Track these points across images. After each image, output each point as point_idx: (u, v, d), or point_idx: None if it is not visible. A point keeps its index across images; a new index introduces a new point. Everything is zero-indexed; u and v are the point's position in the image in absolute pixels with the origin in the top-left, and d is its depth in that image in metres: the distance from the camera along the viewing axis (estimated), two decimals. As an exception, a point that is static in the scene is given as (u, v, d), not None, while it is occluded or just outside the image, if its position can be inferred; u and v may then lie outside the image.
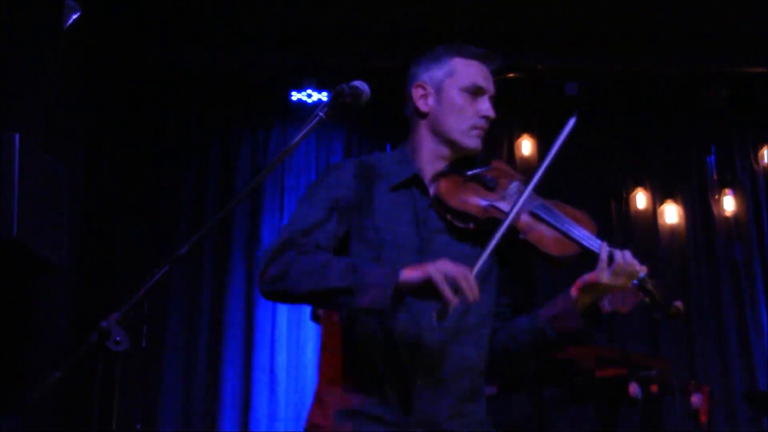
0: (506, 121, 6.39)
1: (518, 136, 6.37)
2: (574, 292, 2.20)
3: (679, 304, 2.24)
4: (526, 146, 6.35)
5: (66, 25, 4.33)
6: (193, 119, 6.29)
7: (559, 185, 6.31)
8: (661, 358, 4.69)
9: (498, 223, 2.14)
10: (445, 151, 2.30)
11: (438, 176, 2.27)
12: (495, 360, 2.28)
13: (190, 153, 6.24)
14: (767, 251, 6.22)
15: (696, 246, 6.26)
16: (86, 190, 5.31)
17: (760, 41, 5.70)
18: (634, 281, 2.21)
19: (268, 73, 6.05)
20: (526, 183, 2.27)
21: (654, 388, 4.13)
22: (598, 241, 2.21)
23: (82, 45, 4.95)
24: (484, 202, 2.22)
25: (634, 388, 4.11)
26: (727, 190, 6.29)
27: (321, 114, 2.13)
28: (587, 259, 2.18)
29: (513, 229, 2.14)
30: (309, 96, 5.97)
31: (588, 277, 2.17)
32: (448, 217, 2.21)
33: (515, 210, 2.14)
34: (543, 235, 2.20)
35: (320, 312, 2.39)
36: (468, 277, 1.94)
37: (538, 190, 2.27)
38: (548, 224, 2.22)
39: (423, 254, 2.17)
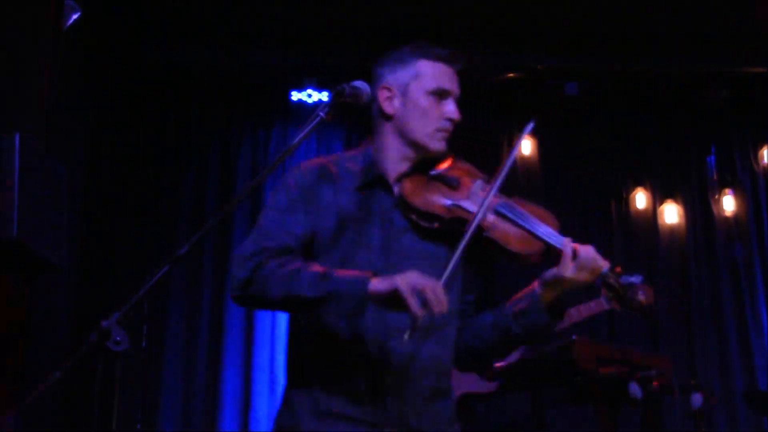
0: (506, 121, 6.39)
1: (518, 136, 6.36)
2: (538, 287, 2.22)
3: (642, 297, 2.28)
4: (526, 146, 6.34)
5: (66, 25, 4.33)
6: (193, 119, 6.29)
7: (559, 185, 6.35)
8: (661, 357, 4.67)
9: (463, 222, 2.17)
10: (409, 152, 2.31)
11: (402, 177, 2.28)
12: (461, 358, 2.30)
13: (190, 153, 6.24)
14: (767, 251, 6.22)
15: (696, 246, 6.26)
16: (86, 190, 5.30)
17: (760, 41, 5.70)
18: (598, 278, 2.23)
19: (268, 73, 6.05)
20: (488, 182, 2.29)
21: (654, 388, 4.13)
22: (561, 237, 2.23)
23: (82, 45, 4.95)
24: (448, 202, 2.24)
25: (634, 388, 4.11)
26: (727, 190, 6.29)
27: (321, 114, 2.14)
28: (551, 255, 2.20)
29: (478, 228, 2.16)
30: (309, 96, 5.97)
31: (552, 273, 2.19)
32: (413, 216, 2.22)
33: (482, 210, 2.16)
34: (507, 233, 2.22)
35: None
36: (435, 289, 1.97)
37: (501, 188, 2.29)
38: (512, 222, 2.24)
39: (388, 254, 2.19)
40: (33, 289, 4.23)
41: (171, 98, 6.21)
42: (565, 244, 2.20)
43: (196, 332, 5.95)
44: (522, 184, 6.32)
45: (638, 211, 6.31)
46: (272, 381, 5.90)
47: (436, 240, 2.24)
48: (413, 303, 1.95)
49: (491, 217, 2.22)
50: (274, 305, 2.16)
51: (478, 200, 2.23)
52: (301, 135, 2.12)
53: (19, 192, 3.56)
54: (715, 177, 6.37)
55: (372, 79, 2.36)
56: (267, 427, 5.81)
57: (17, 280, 4.02)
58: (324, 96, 5.92)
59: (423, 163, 2.32)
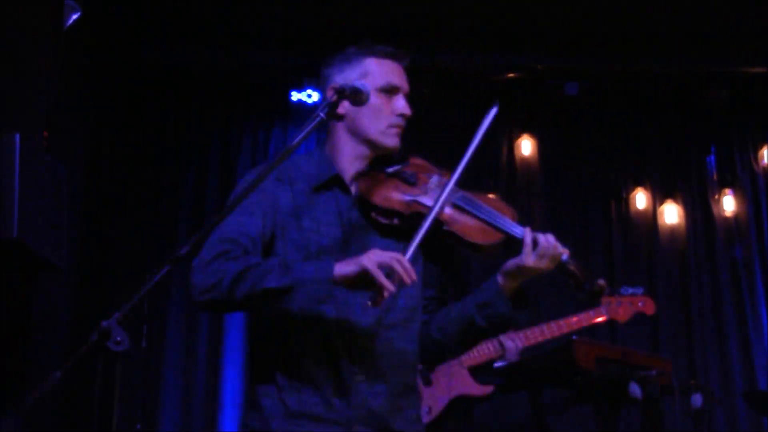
0: (506, 121, 6.39)
1: (518, 136, 6.37)
2: (500, 278, 2.24)
3: (602, 282, 2.28)
4: (526, 146, 6.34)
5: (66, 25, 4.32)
6: (193, 119, 6.29)
7: (559, 185, 6.35)
8: (661, 358, 4.68)
9: (422, 217, 2.18)
10: (364, 151, 2.33)
11: (359, 175, 2.30)
12: (426, 352, 2.33)
13: (190, 153, 6.24)
14: (767, 251, 6.22)
15: (696, 246, 6.25)
16: (86, 190, 5.30)
17: (760, 41, 5.70)
18: (558, 266, 2.25)
19: (268, 73, 6.05)
20: (445, 176, 2.31)
21: (654, 388, 4.13)
22: (521, 227, 2.24)
23: (82, 45, 4.94)
24: (407, 198, 2.27)
25: (634, 388, 4.11)
26: (727, 190, 6.29)
27: (321, 114, 2.15)
28: (511, 245, 2.23)
29: (437, 222, 2.18)
30: (309, 96, 5.97)
31: (514, 262, 2.22)
32: (372, 214, 2.25)
33: (440, 201, 2.18)
34: (467, 225, 2.24)
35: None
36: (401, 259, 2.00)
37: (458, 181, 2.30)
38: (471, 214, 2.25)
39: (349, 253, 2.19)
40: (33, 289, 4.22)
41: (171, 98, 6.21)
42: (525, 232, 2.22)
43: (196, 332, 5.95)
44: (522, 184, 6.33)
45: (638, 211, 6.31)
46: (272, 381, 5.89)
47: (395, 237, 2.26)
48: (381, 276, 1.97)
49: (449, 211, 2.24)
50: (239, 305, 2.15)
51: (436, 195, 2.25)
52: (301, 135, 2.12)
53: (19, 192, 3.56)
54: (715, 177, 6.37)
55: (321, 81, 2.38)
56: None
57: (17, 280, 4.01)
58: (324, 96, 5.91)
59: (379, 161, 2.34)
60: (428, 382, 4.24)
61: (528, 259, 2.19)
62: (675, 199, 6.32)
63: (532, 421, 4.81)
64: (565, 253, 2.24)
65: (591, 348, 4.25)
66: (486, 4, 5.50)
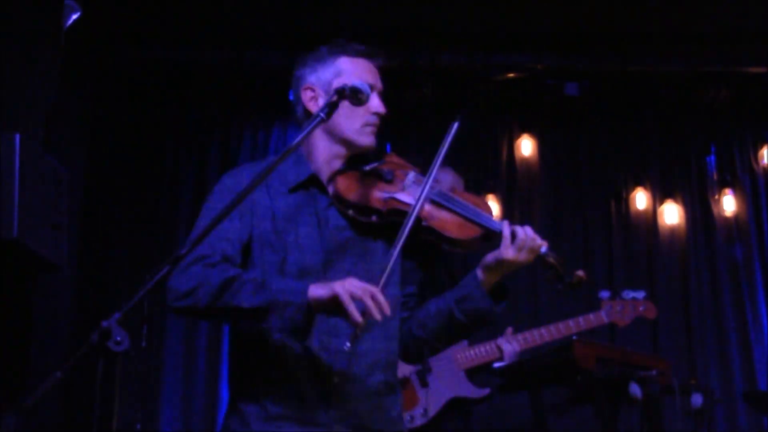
0: (506, 121, 6.39)
1: (518, 136, 6.37)
2: (479, 272, 2.25)
3: (581, 273, 2.30)
4: (526, 146, 6.34)
5: (66, 25, 4.32)
6: (193, 119, 6.29)
7: (559, 185, 6.35)
8: (661, 358, 4.68)
9: (401, 213, 2.19)
10: (340, 150, 2.33)
11: (336, 174, 2.29)
12: (407, 349, 2.33)
13: (190, 153, 6.24)
14: (767, 251, 6.22)
15: (696, 246, 6.25)
16: (86, 190, 5.30)
17: (760, 41, 5.70)
18: (537, 258, 2.26)
19: (268, 73, 6.04)
20: (421, 173, 2.31)
21: (654, 388, 4.13)
22: (498, 221, 2.25)
23: (82, 45, 4.95)
24: (384, 195, 2.27)
25: (634, 388, 4.11)
26: (727, 190, 6.29)
27: (321, 114, 2.14)
28: (491, 239, 2.24)
29: (417, 218, 2.18)
30: (309, 96, 5.95)
31: (493, 256, 2.22)
32: (350, 212, 2.24)
33: (422, 199, 2.18)
34: (445, 220, 2.24)
35: None
36: (374, 294, 1.99)
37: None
38: (449, 210, 2.26)
39: (327, 253, 2.20)
40: (33, 289, 4.22)
41: (171, 98, 6.21)
42: (504, 226, 2.23)
43: (196, 332, 5.95)
44: (522, 184, 6.33)
45: (638, 211, 6.31)
46: (272, 381, 5.89)
47: (373, 235, 2.27)
48: (353, 311, 1.97)
49: (428, 207, 2.25)
50: (213, 316, 2.16)
51: (413, 192, 2.26)
52: (301, 135, 2.12)
53: (19, 192, 3.56)
54: (715, 177, 6.36)
55: (292, 82, 2.39)
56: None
57: (17, 280, 4.01)
58: (324, 96, 5.91)
59: (354, 159, 2.34)
60: (425, 384, 4.23)
61: (507, 252, 2.20)
62: (675, 199, 6.32)
63: (532, 421, 4.80)
64: (543, 245, 2.25)
65: (591, 348, 4.25)
66: (486, 5, 5.50)
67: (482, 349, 4.34)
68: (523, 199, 6.29)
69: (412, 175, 2.33)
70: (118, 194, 5.88)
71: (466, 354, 4.33)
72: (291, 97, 2.39)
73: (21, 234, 3.55)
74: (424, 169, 2.30)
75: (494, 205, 6.13)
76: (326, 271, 2.18)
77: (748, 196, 6.31)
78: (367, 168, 2.32)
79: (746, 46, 5.82)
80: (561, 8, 5.52)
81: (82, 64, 5.06)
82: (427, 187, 2.21)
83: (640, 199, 6.30)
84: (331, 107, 2.16)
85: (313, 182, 2.29)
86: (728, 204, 6.26)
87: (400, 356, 2.32)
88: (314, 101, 2.32)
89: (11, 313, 3.97)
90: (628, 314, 4.44)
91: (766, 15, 5.43)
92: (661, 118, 6.40)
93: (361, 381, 2.19)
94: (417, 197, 2.20)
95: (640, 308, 4.46)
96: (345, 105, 2.23)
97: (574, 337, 4.28)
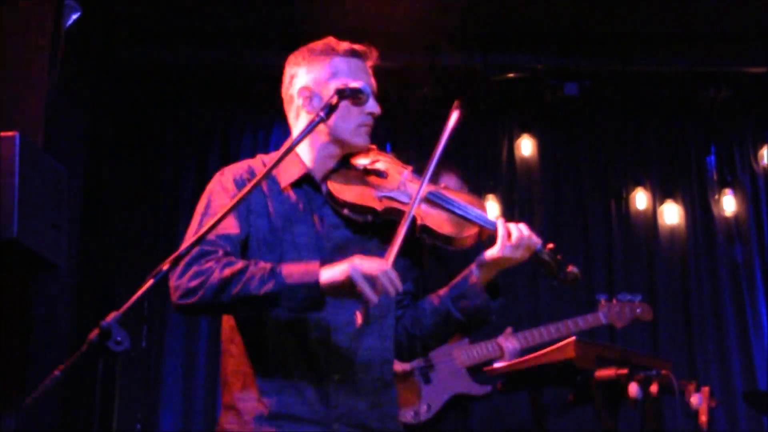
0: (506, 121, 6.39)
1: (518, 136, 6.37)
2: (475, 269, 2.26)
3: (575, 269, 2.32)
4: (526, 146, 6.34)
5: (66, 25, 4.33)
6: (193, 119, 6.29)
7: (559, 185, 6.35)
8: (661, 358, 4.67)
9: (396, 212, 2.20)
10: (334, 149, 2.33)
11: (330, 173, 2.30)
12: (402, 347, 2.35)
13: (190, 153, 6.24)
14: (767, 251, 6.22)
15: (696, 246, 6.26)
16: (86, 190, 5.30)
17: (760, 41, 5.70)
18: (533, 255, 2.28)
19: (268, 73, 6.03)
20: (415, 172, 2.33)
21: (654, 388, 4.13)
22: (493, 219, 2.27)
23: (82, 45, 4.95)
24: (379, 194, 2.27)
25: (634, 388, 4.11)
26: (727, 190, 6.29)
27: (322, 114, 2.15)
28: (485, 237, 2.25)
29: (412, 217, 2.18)
30: (309, 96, 5.95)
31: (489, 253, 2.24)
32: (345, 211, 2.25)
33: (418, 198, 2.18)
34: (441, 218, 2.25)
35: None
36: (386, 271, 2.00)
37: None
38: (444, 208, 2.27)
39: (322, 251, 2.21)
40: (33, 289, 4.23)
41: (171, 98, 6.21)
42: (499, 223, 2.25)
43: (196, 332, 5.95)
44: (522, 184, 6.33)
45: (638, 211, 6.31)
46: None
47: (368, 234, 2.27)
48: (367, 289, 1.97)
49: (423, 205, 2.25)
50: (222, 309, 2.14)
51: (407, 190, 2.27)
52: (302, 135, 2.12)
53: (19, 192, 3.56)
54: (715, 177, 6.37)
55: (284, 80, 2.39)
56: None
57: (17, 280, 4.02)
58: (324, 96, 5.90)
59: (348, 158, 2.34)
60: (428, 380, 4.25)
61: (503, 249, 2.22)
62: (675, 199, 6.32)
63: (532, 420, 4.80)
64: (539, 243, 2.27)
65: (591, 348, 4.25)
66: (486, 4, 5.50)
67: (484, 347, 4.36)
68: (523, 199, 6.29)
69: (406, 173, 2.34)
70: (118, 194, 5.88)
71: (468, 352, 4.35)
72: (287, 96, 2.38)
73: (21, 234, 3.55)
74: (420, 168, 2.30)
75: (494, 205, 6.13)
76: None
77: (748, 196, 6.31)
78: (361, 167, 2.33)
79: (746, 46, 5.82)
80: (561, 8, 5.52)
81: (82, 64, 5.06)
82: (424, 185, 2.21)
83: (640, 199, 6.30)
84: (331, 108, 2.16)
85: (306, 181, 2.29)
86: (728, 204, 6.26)
87: (393, 354, 2.33)
88: (309, 101, 2.32)
89: (11, 313, 3.97)
90: (624, 316, 4.48)
91: (766, 15, 5.43)
92: (661, 118, 6.40)
93: (358, 379, 2.19)
94: (412, 195, 2.20)
95: (637, 310, 4.50)
96: (340, 106, 2.22)
97: (575, 336, 4.28)
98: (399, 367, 4.13)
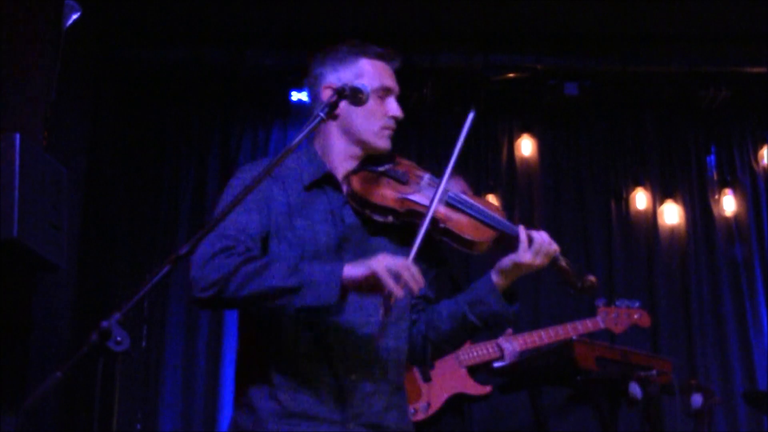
0: (506, 121, 6.39)
1: (518, 136, 6.37)
2: (494, 275, 2.27)
3: (592, 278, 2.33)
4: (526, 146, 6.34)
5: (66, 25, 4.33)
6: (193, 119, 6.29)
7: (559, 185, 6.35)
8: (661, 358, 4.67)
9: (416, 215, 2.22)
10: (356, 150, 2.34)
11: (351, 174, 2.31)
12: (414, 350, 2.34)
13: (190, 153, 6.24)
14: (767, 251, 6.22)
15: (696, 246, 6.25)
16: (86, 190, 5.30)
17: (760, 41, 5.70)
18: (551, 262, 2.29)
19: (268, 73, 6.04)
20: (435, 177, 2.34)
21: (654, 388, 4.13)
22: (513, 224, 2.28)
23: (82, 45, 4.95)
24: (400, 195, 2.29)
25: (634, 388, 4.11)
26: (727, 190, 6.29)
27: (321, 114, 2.15)
28: (503, 242, 2.26)
29: (433, 220, 2.20)
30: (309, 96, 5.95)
31: (510, 259, 2.25)
32: (367, 212, 2.26)
33: (437, 199, 2.20)
34: (461, 222, 2.27)
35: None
36: (410, 267, 2.01)
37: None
38: (464, 212, 2.29)
39: (342, 251, 2.22)
40: (33, 289, 4.23)
41: (171, 98, 6.21)
42: (520, 230, 2.25)
43: (196, 332, 5.95)
44: (522, 184, 6.33)
45: (638, 211, 6.31)
46: (272, 381, 5.88)
47: (388, 235, 2.29)
48: (391, 283, 1.98)
49: (443, 209, 2.26)
50: (242, 303, 2.13)
51: (428, 194, 2.27)
52: (301, 135, 2.12)
53: (19, 192, 3.57)
54: (715, 177, 6.37)
55: (309, 80, 2.39)
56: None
57: (17, 280, 4.02)
58: (324, 96, 5.90)
59: (369, 160, 2.36)
60: (428, 379, 4.26)
61: (525, 255, 2.22)
62: (675, 199, 6.32)
63: (532, 420, 4.80)
64: (558, 251, 2.28)
65: (591, 348, 4.25)
66: (486, 5, 5.50)
67: (484, 348, 4.37)
68: (523, 199, 6.29)
69: (426, 177, 2.35)
70: (118, 194, 5.88)
71: (468, 352, 4.36)
72: (307, 95, 2.39)
73: (21, 234, 3.55)
74: (435, 171, 2.32)
75: (494, 206, 6.12)
76: None
77: (748, 196, 6.31)
78: (381, 169, 2.34)
79: (746, 46, 5.82)
80: (561, 8, 5.52)
81: (82, 64, 5.06)
82: (443, 183, 2.22)
83: (640, 199, 6.30)
84: (331, 107, 2.17)
85: (327, 180, 2.30)
86: (728, 204, 6.26)
87: (407, 357, 2.33)
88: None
89: (11, 313, 3.97)
90: (622, 322, 4.51)
91: (766, 15, 5.43)
92: (661, 118, 6.40)
93: (374, 380, 2.20)
94: (432, 197, 2.21)
95: (635, 316, 4.52)
96: (364, 107, 2.26)
97: (574, 337, 4.29)
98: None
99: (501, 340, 4.39)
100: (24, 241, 3.59)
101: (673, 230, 6.29)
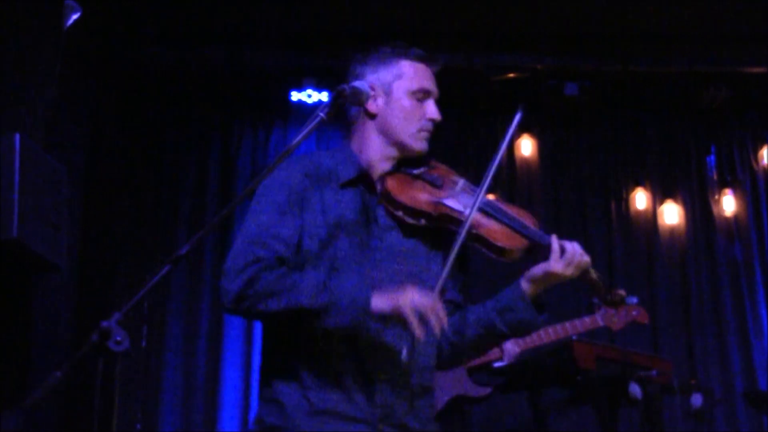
0: (506, 121, 6.37)
1: (518, 136, 6.37)
2: (524, 283, 2.26)
3: (621, 291, 2.34)
4: (526, 146, 6.35)
5: (66, 25, 4.32)
6: (193, 119, 6.29)
7: (559, 185, 6.35)
8: (661, 358, 4.68)
9: (449, 219, 2.23)
10: (392, 152, 2.35)
11: (386, 175, 2.32)
12: (443, 355, 2.34)
13: (190, 153, 6.24)
14: (767, 251, 6.22)
15: (696, 246, 6.26)
16: (86, 190, 5.30)
17: (760, 41, 5.70)
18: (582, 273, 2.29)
19: (268, 73, 6.04)
20: (471, 182, 2.35)
21: (654, 388, 4.13)
22: (545, 234, 2.28)
23: (82, 45, 4.94)
24: (434, 199, 2.29)
25: (634, 388, 4.11)
26: (727, 190, 6.29)
27: (321, 114, 2.15)
28: (535, 251, 2.26)
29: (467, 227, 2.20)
30: (309, 96, 5.96)
31: (541, 268, 2.24)
32: (400, 213, 2.26)
33: (474, 208, 2.21)
34: (494, 229, 2.26)
35: None
36: (435, 308, 2.04)
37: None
38: (497, 219, 2.28)
39: (374, 251, 2.22)
40: (33, 289, 4.22)
41: (171, 98, 6.21)
42: (553, 239, 2.26)
43: (196, 332, 5.95)
44: (522, 184, 6.33)
45: (638, 211, 6.31)
46: (272, 381, 5.89)
47: (420, 238, 2.29)
48: (416, 325, 2.02)
49: (476, 215, 2.25)
50: (271, 317, 2.16)
51: (462, 199, 2.28)
52: (302, 135, 2.12)
53: (19, 192, 3.56)
54: (715, 177, 6.37)
55: (351, 77, 2.37)
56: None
57: (17, 280, 4.01)
58: (324, 96, 5.91)
59: (404, 162, 2.36)
60: None
61: (556, 265, 2.22)
62: (675, 199, 6.32)
63: (532, 421, 4.81)
64: (589, 262, 2.28)
65: (591, 348, 4.25)
66: (485, 5, 5.50)
67: None
68: (523, 199, 6.29)
69: (461, 182, 2.35)
70: (118, 194, 5.88)
71: None
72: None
73: (21, 234, 3.55)
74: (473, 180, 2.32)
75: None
76: (373, 270, 2.20)
77: (748, 196, 6.31)
78: (416, 172, 2.34)
79: (746, 46, 5.81)
80: (561, 8, 5.52)
81: (82, 64, 5.06)
82: (481, 193, 2.23)
83: (640, 199, 6.30)
84: (331, 107, 2.17)
85: (362, 180, 2.30)
86: (728, 204, 6.26)
87: (435, 361, 2.33)
88: (373, 100, 2.33)
89: (11, 313, 3.97)
90: (621, 319, 4.50)
91: (766, 15, 5.43)
92: (661, 118, 6.40)
93: (402, 382, 2.20)
94: (466, 205, 2.23)
95: (633, 313, 4.52)
96: (402, 109, 2.29)
97: (574, 337, 4.29)
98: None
99: (500, 340, 4.39)
100: (24, 241, 3.59)
101: (673, 230, 6.29)
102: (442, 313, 2.04)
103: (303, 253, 2.20)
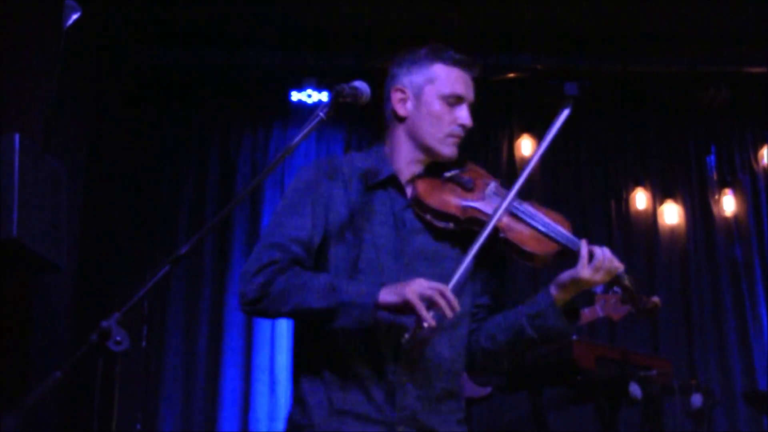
0: (506, 121, 6.39)
1: (518, 136, 6.37)
2: (553, 289, 2.22)
3: (656, 299, 2.32)
4: (526, 146, 6.34)
5: (66, 25, 4.32)
6: (193, 119, 6.29)
7: (559, 185, 6.35)
8: (661, 358, 4.68)
9: (478, 223, 2.20)
10: (421, 155, 2.32)
11: (416, 178, 2.29)
12: (473, 360, 2.31)
13: (190, 153, 6.24)
14: (767, 251, 6.22)
15: (696, 246, 6.26)
16: (86, 190, 5.30)
17: (760, 41, 5.70)
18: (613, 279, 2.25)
19: (267, 73, 6.04)
20: (503, 185, 2.32)
21: (654, 388, 4.14)
22: (576, 239, 2.23)
23: (82, 45, 4.94)
24: (463, 203, 2.26)
25: (634, 388, 4.11)
26: (727, 190, 6.29)
27: (321, 114, 2.14)
28: (566, 256, 2.22)
29: (494, 229, 2.18)
30: (309, 96, 5.96)
31: (569, 274, 2.20)
32: (428, 217, 2.24)
33: (499, 212, 2.18)
34: (523, 234, 2.23)
35: None
36: (444, 292, 2.01)
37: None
38: (527, 224, 2.26)
39: (401, 254, 2.21)
40: (33, 289, 4.22)
41: (171, 98, 6.21)
42: (582, 245, 2.20)
43: (196, 332, 5.95)
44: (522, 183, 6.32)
45: (638, 211, 6.31)
46: (272, 381, 5.90)
47: (448, 241, 2.26)
48: (425, 315, 1.99)
49: (506, 219, 2.23)
50: (288, 317, 2.18)
51: (493, 202, 2.25)
52: (301, 135, 2.12)
53: (19, 192, 3.56)
54: (715, 177, 6.37)
55: (386, 79, 2.36)
56: (267, 428, 5.81)
57: (17, 280, 4.01)
58: (324, 96, 5.91)
59: (436, 165, 2.33)
60: None
61: (584, 271, 2.17)
62: (675, 199, 6.32)
63: (532, 421, 4.81)
64: (621, 267, 2.23)
65: (591, 348, 4.25)
66: (486, 5, 5.50)
67: None
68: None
69: (493, 185, 2.32)
70: (118, 194, 5.88)
71: None
72: (385, 94, 2.34)
73: (21, 234, 3.55)
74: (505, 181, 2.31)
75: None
76: (400, 272, 2.18)
77: (748, 196, 6.31)
78: (447, 175, 2.31)
79: (746, 46, 5.82)
80: (561, 8, 5.52)
81: (82, 64, 5.06)
82: (510, 197, 2.21)
83: (640, 199, 6.30)
84: (331, 107, 2.16)
85: (391, 182, 2.28)
86: (728, 204, 6.26)
87: (465, 368, 2.30)
88: (402, 103, 2.31)
89: (11, 313, 3.97)
90: (621, 308, 4.48)
91: (766, 15, 5.43)
92: (661, 118, 6.40)
93: (424, 384, 2.18)
94: (496, 207, 2.20)
95: (618, 289, 4.50)
96: (432, 112, 2.26)
97: (574, 337, 4.29)
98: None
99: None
100: (24, 241, 3.59)
101: (673, 230, 6.29)
102: (452, 298, 2.01)
103: (327, 255, 2.20)
